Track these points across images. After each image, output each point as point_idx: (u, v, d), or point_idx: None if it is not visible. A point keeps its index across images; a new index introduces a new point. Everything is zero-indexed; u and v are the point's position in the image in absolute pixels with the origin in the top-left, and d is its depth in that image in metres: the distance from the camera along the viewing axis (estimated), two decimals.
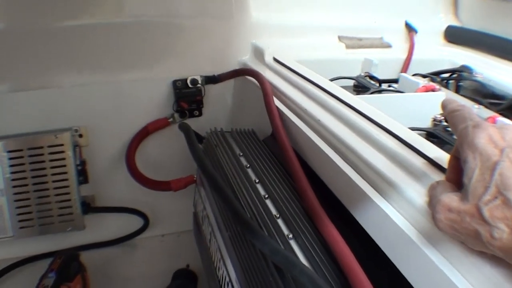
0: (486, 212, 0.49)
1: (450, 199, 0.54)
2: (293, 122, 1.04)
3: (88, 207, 1.48)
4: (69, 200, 1.42)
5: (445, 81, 1.49)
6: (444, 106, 0.65)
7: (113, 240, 1.57)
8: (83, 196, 1.46)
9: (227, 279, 0.93)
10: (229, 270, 0.93)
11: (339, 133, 0.89)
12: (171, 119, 1.47)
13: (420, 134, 0.98)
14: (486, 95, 1.40)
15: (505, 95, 1.34)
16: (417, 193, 0.66)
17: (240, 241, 0.87)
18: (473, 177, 0.51)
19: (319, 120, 0.96)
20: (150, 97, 1.46)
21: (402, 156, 0.74)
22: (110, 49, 1.36)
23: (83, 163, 1.43)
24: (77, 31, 1.30)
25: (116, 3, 1.33)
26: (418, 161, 0.71)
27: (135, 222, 1.59)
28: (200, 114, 1.50)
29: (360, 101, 0.97)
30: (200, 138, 1.32)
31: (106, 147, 1.48)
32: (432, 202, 0.57)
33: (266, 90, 1.15)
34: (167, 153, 1.51)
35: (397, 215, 0.68)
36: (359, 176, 0.80)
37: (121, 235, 1.58)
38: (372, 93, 1.21)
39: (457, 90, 1.50)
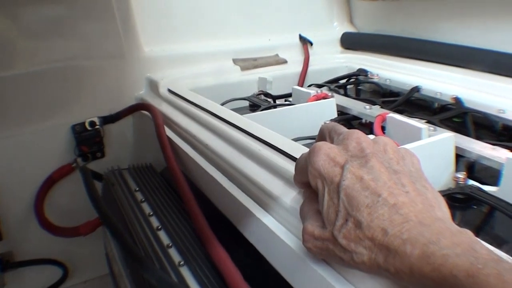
0: (341, 240, 0.45)
1: (313, 226, 0.50)
2: (184, 151, 1.03)
3: (6, 264, 1.43)
4: None
5: (345, 87, 1.50)
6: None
7: None
8: (0, 254, 1.41)
9: None
10: None
11: (225, 154, 0.88)
12: (74, 164, 1.44)
13: (309, 143, 0.98)
14: (384, 95, 1.42)
15: (400, 92, 1.36)
16: (296, 202, 0.65)
17: (138, 277, 0.86)
18: (324, 203, 0.49)
19: (206, 144, 0.95)
20: (52, 145, 1.43)
21: (282, 168, 0.74)
22: (5, 103, 1.32)
23: None
24: None
25: (7, 57, 1.30)
26: None
27: (58, 273, 1.55)
28: (103, 155, 1.48)
29: (245, 120, 0.96)
30: (101, 178, 1.29)
31: (16, 202, 1.43)
32: (302, 220, 0.55)
33: (157, 122, 1.14)
34: (76, 198, 1.47)
35: (278, 226, 0.67)
36: (244, 194, 0.79)
37: None
38: (263, 110, 1.20)
39: (358, 94, 1.52)
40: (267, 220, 0.69)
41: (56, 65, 1.35)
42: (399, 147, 0.53)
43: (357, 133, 0.52)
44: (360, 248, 0.44)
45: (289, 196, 0.68)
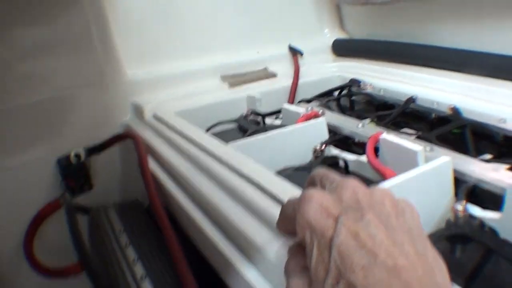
0: None
1: (298, 285, 0.45)
2: (166, 188, 0.98)
3: None
4: None
5: (338, 100, 1.44)
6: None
7: None
8: None
9: None
10: None
11: (208, 194, 0.82)
12: (61, 200, 1.38)
13: (295, 173, 0.93)
14: (379, 106, 1.36)
15: (395, 103, 1.30)
16: (283, 254, 0.60)
17: None
18: (313, 259, 0.43)
19: (189, 180, 0.90)
20: (38, 181, 1.37)
21: (268, 212, 0.68)
22: None
23: None
24: None
25: None
26: None
27: None
28: (91, 187, 1.42)
29: (229, 151, 0.91)
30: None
31: (4, 243, 1.38)
32: (286, 277, 0.49)
33: (140, 154, 1.09)
34: (67, 235, 1.42)
35: (262, 281, 0.63)
36: (226, 241, 0.74)
37: None
38: (250, 134, 1.14)
39: (352, 105, 1.46)
40: (251, 274, 0.64)
41: (37, 98, 1.30)
42: (398, 198, 0.48)
43: (352, 182, 0.48)
44: None
45: (275, 247, 0.62)
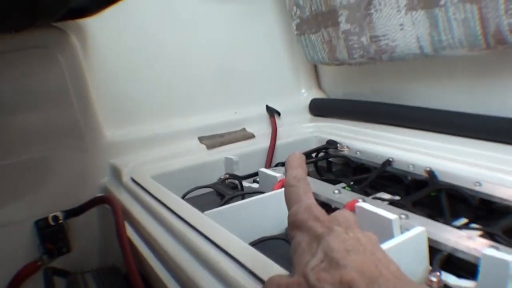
0: (312, 276, 0.45)
1: (280, 277, 0.51)
2: (144, 256, 0.97)
3: None
4: None
5: (315, 163, 1.45)
6: (285, 169, 0.66)
7: None
8: None
9: None
10: None
11: (185, 266, 0.82)
12: (39, 262, 1.37)
13: (271, 243, 0.93)
14: (355, 169, 1.36)
15: (371, 166, 1.31)
16: None
17: None
18: (299, 248, 0.50)
19: (165, 251, 0.90)
20: (15, 243, 1.35)
21: (240, 285, 0.68)
22: None
23: None
24: None
25: None
26: None
27: None
28: (69, 250, 1.40)
29: (205, 220, 0.91)
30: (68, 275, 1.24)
31: None
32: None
33: (117, 220, 1.08)
34: None
35: None
36: None
37: None
38: (227, 200, 1.14)
39: (329, 167, 1.47)
40: None
41: (15, 159, 1.29)
42: None
43: (345, 212, 0.55)
44: (328, 286, 0.43)
45: None
